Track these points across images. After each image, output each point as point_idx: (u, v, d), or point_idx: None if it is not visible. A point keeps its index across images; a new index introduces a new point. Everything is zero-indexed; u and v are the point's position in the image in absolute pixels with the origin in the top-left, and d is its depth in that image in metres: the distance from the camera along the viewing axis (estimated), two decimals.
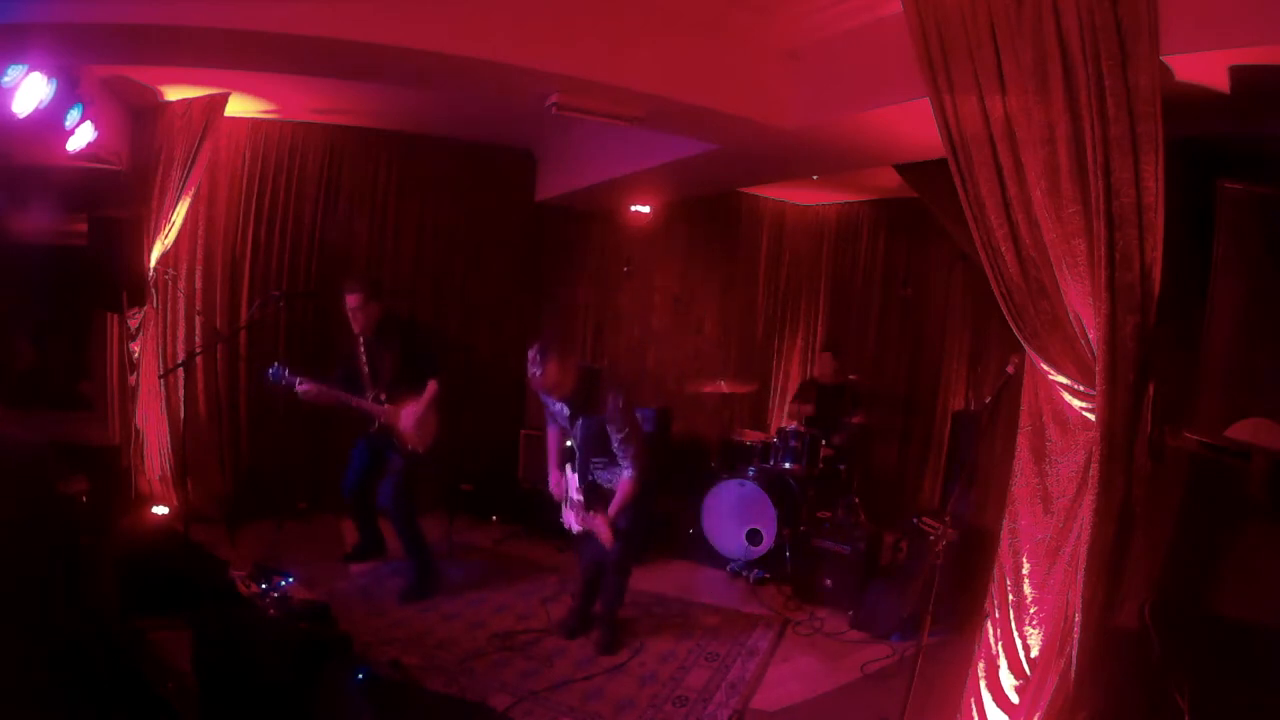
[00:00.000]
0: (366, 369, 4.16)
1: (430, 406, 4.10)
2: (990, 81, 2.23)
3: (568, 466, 3.74)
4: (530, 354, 3.38)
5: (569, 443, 3.76)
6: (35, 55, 3.26)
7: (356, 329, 4.10)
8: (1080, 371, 2.20)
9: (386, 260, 5.58)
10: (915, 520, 4.28)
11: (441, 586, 4.19)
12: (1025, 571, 2.38)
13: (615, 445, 3.50)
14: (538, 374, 3.39)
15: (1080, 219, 2.10)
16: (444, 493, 5.47)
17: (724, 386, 5.66)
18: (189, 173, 4.40)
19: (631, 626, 3.92)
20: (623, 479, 3.52)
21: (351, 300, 4.03)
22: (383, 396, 4.11)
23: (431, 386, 4.09)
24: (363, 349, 4.16)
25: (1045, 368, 2.29)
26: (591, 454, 3.61)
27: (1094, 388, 2.12)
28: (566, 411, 3.61)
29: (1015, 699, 2.37)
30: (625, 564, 3.72)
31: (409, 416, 4.07)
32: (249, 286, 5.11)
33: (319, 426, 5.17)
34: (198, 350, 4.75)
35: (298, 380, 3.96)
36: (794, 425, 5.31)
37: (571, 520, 3.72)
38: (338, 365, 4.24)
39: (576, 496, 3.66)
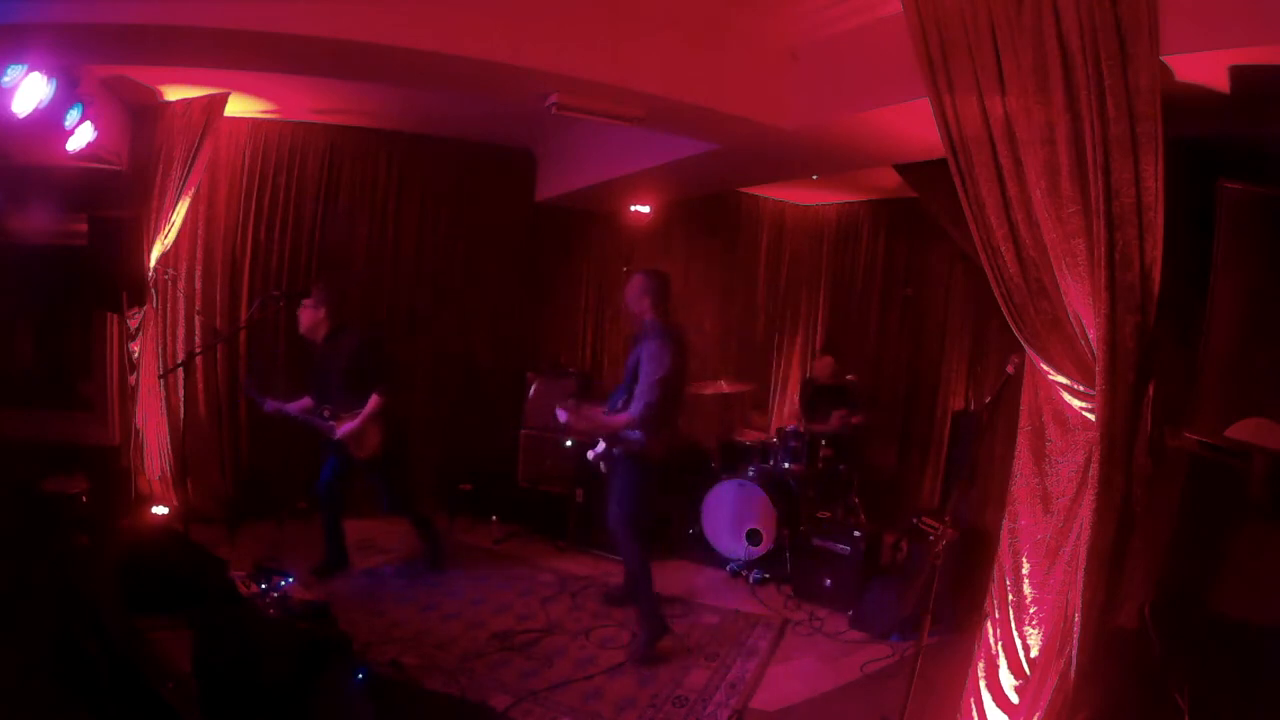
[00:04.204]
0: (319, 378, 4.22)
1: (369, 421, 4.10)
2: (990, 81, 2.23)
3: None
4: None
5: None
6: (35, 55, 3.26)
7: (300, 329, 4.21)
8: (1080, 371, 2.20)
9: (386, 260, 5.58)
10: (915, 520, 4.28)
11: (338, 577, 4.27)
12: (1025, 571, 2.38)
13: (637, 387, 3.53)
14: (629, 286, 3.73)
15: (1080, 219, 2.10)
16: (444, 493, 5.48)
17: (724, 386, 5.67)
18: (189, 173, 4.40)
19: (631, 626, 3.93)
20: (623, 414, 3.57)
21: (305, 299, 4.19)
22: (326, 412, 4.15)
23: (373, 401, 4.08)
24: (316, 359, 4.25)
25: (1045, 368, 2.29)
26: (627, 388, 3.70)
27: (1094, 388, 2.12)
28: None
29: (1015, 699, 2.37)
30: (624, 531, 3.67)
31: (344, 430, 4.09)
32: (249, 286, 5.12)
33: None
34: (198, 350, 4.75)
35: (266, 401, 4.17)
36: (793, 425, 5.31)
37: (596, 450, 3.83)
38: (308, 372, 4.35)
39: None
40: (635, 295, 3.67)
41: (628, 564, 3.76)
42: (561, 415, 3.70)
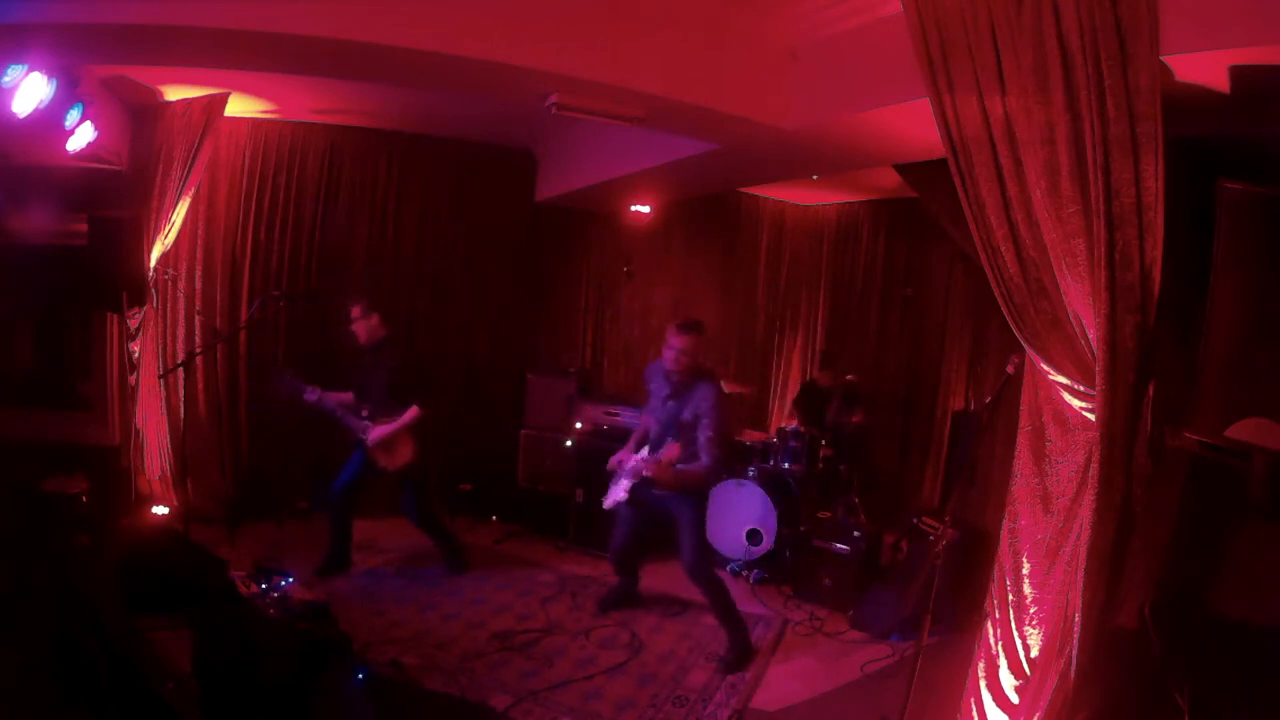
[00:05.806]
0: (359, 383, 4.30)
1: (405, 430, 4.19)
2: (990, 81, 2.23)
3: (644, 449, 3.79)
4: (676, 327, 3.58)
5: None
6: (35, 55, 3.26)
7: (361, 340, 4.25)
8: (1080, 371, 2.20)
9: (386, 260, 5.58)
10: (915, 520, 4.28)
11: (339, 577, 4.27)
12: (1025, 571, 2.38)
13: (700, 440, 3.49)
14: (679, 341, 3.53)
15: (1080, 219, 2.10)
16: (444, 493, 5.48)
17: (724, 386, 5.65)
18: (189, 173, 4.40)
19: (631, 626, 3.93)
20: (699, 464, 3.52)
21: (353, 311, 4.24)
22: (365, 412, 4.24)
23: (412, 411, 4.17)
24: (361, 362, 4.31)
25: (1045, 368, 2.29)
26: (668, 436, 3.64)
27: (1094, 388, 2.12)
28: (665, 391, 3.67)
29: (1015, 699, 2.37)
30: (702, 571, 3.65)
31: (377, 433, 4.18)
32: (249, 286, 5.12)
33: (319, 426, 5.17)
34: (198, 350, 4.75)
35: (307, 389, 4.19)
36: (794, 425, 5.31)
37: (616, 493, 3.77)
38: (347, 376, 4.41)
39: (636, 461, 3.71)
40: (690, 352, 3.56)
41: (712, 599, 3.69)
42: (645, 469, 3.59)
